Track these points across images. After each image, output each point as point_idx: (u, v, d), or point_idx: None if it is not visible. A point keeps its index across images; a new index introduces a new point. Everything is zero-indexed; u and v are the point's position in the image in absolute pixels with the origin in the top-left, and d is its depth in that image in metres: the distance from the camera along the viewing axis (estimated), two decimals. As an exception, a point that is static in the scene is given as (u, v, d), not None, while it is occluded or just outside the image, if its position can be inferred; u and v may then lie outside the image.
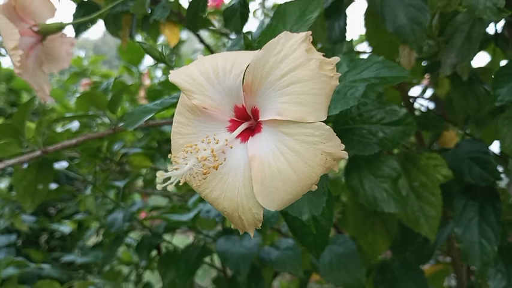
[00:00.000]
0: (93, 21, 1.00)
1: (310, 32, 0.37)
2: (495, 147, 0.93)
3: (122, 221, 1.09)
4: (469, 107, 0.86)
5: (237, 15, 0.78)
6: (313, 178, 0.36)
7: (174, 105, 0.56)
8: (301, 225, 0.55)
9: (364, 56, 0.58)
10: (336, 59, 0.36)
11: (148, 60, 1.97)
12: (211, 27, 1.18)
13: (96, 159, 1.19)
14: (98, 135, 0.88)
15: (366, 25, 0.89)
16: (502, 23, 0.84)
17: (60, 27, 0.74)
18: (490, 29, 0.86)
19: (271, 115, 0.37)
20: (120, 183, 1.17)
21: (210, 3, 1.55)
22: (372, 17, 0.88)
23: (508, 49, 0.84)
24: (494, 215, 0.76)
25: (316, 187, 0.37)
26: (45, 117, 0.86)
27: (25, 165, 0.89)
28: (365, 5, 0.89)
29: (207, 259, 1.26)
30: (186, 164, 0.37)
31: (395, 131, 0.62)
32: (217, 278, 1.31)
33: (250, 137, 0.40)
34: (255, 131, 0.40)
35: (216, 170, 0.38)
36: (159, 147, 1.40)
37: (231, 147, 0.40)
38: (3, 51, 1.40)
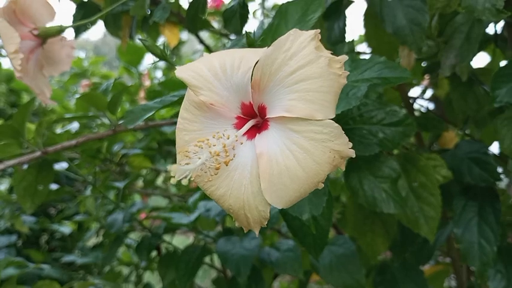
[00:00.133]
0: (93, 22, 1.00)
1: (318, 30, 0.37)
2: (495, 147, 0.94)
3: (122, 221, 1.09)
4: (468, 108, 0.86)
5: (237, 16, 0.78)
6: (320, 176, 0.36)
7: (174, 103, 0.56)
8: (301, 225, 0.55)
9: (365, 57, 0.58)
10: (344, 57, 0.36)
11: (148, 61, 1.97)
12: (211, 28, 1.19)
13: (96, 160, 1.20)
14: (98, 136, 0.88)
15: (365, 26, 0.89)
16: (501, 23, 0.84)
17: (60, 30, 0.74)
18: (490, 30, 0.86)
19: (280, 112, 0.37)
20: (120, 184, 1.17)
21: (209, 4, 1.55)
22: (371, 17, 0.88)
23: (508, 50, 0.84)
24: (494, 216, 0.76)
25: (323, 185, 0.37)
26: (45, 118, 0.86)
27: (25, 166, 0.89)
28: (364, 6, 0.89)
29: (207, 260, 1.26)
30: (199, 159, 0.37)
31: (396, 132, 0.62)
32: (218, 279, 1.31)
33: (257, 134, 0.39)
34: (262, 128, 0.39)
35: (227, 165, 0.38)
36: (159, 148, 1.41)
37: (241, 143, 0.40)
38: (3, 51, 1.40)
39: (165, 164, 1.50)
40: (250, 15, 0.80)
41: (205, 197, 1.04)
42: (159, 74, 2.12)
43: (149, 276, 1.71)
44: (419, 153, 0.84)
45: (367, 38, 0.90)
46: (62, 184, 1.45)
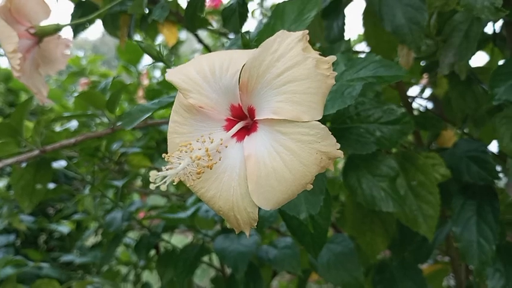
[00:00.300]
0: (91, 22, 1.00)
1: (307, 31, 0.37)
2: (493, 146, 0.94)
3: (121, 220, 1.09)
4: (467, 106, 0.86)
5: (236, 15, 0.78)
6: (308, 177, 0.36)
7: (171, 104, 0.56)
8: (299, 224, 0.55)
9: (362, 56, 0.58)
10: (332, 58, 0.36)
11: (146, 60, 1.97)
12: (209, 27, 1.18)
13: (95, 159, 1.19)
14: (97, 135, 0.88)
15: (365, 25, 0.89)
16: (500, 22, 0.84)
17: (57, 28, 0.74)
18: (489, 29, 0.86)
19: (267, 114, 0.37)
20: (119, 183, 1.17)
21: (208, 3, 1.55)
22: (370, 16, 0.88)
23: (506, 48, 0.84)
24: (493, 214, 0.76)
25: (312, 186, 0.37)
26: (44, 116, 0.86)
27: (23, 165, 0.88)
28: (363, 5, 0.89)
29: (206, 259, 1.26)
30: (180, 164, 0.37)
31: (393, 130, 0.62)
32: (216, 278, 1.31)
33: (246, 136, 0.39)
34: (251, 130, 0.39)
35: (211, 169, 0.38)
36: (158, 146, 1.40)
37: (226, 147, 0.40)
38: (1, 50, 1.40)
39: (163, 163, 1.50)
40: (249, 14, 0.80)
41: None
42: (157, 73, 2.12)
43: (148, 275, 1.71)
44: (417, 151, 0.84)
45: (366, 36, 0.90)
46: (60, 183, 1.45)
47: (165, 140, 1.41)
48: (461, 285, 1.03)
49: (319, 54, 0.36)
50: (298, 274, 0.90)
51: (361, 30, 0.91)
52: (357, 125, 0.62)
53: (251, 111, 0.40)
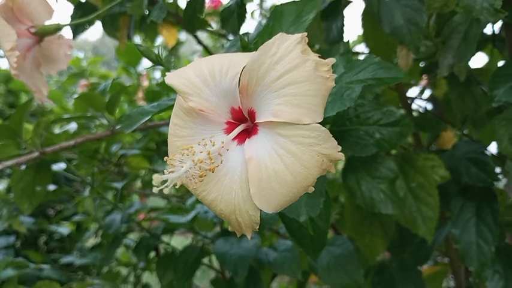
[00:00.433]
0: (90, 23, 1.00)
1: (305, 34, 0.36)
2: (493, 148, 0.94)
3: (120, 222, 1.09)
4: (466, 108, 0.86)
5: (234, 16, 0.78)
6: (309, 180, 0.36)
7: (171, 107, 0.56)
8: (299, 227, 0.55)
9: (362, 57, 0.58)
10: (331, 60, 0.36)
11: (146, 62, 1.97)
12: (209, 29, 1.18)
13: (94, 161, 1.19)
14: (96, 137, 0.88)
15: (364, 26, 0.89)
16: (499, 23, 0.84)
17: (58, 28, 0.74)
18: (488, 30, 0.86)
19: (267, 117, 0.37)
20: (119, 185, 1.16)
21: (208, 4, 1.55)
22: (369, 17, 0.88)
23: (505, 50, 0.84)
24: (492, 216, 0.76)
25: (313, 189, 0.37)
26: (43, 118, 0.86)
27: (23, 167, 0.88)
28: (362, 6, 0.89)
29: (206, 260, 1.26)
30: (182, 167, 0.37)
31: (392, 132, 0.62)
32: (216, 280, 1.31)
33: (247, 139, 0.39)
34: (252, 133, 0.39)
35: (213, 172, 0.38)
36: (158, 148, 1.41)
37: (228, 150, 0.39)
38: (1, 52, 1.40)
39: (163, 164, 1.50)
40: (248, 16, 0.80)
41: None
42: (157, 75, 2.12)
43: (148, 277, 1.71)
44: (417, 153, 0.84)
45: (365, 38, 0.90)
46: (60, 185, 1.45)
47: (164, 142, 1.41)
48: (460, 287, 1.03)
49: (319, 57, 0.36)
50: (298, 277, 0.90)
51: (360, 31, 0.91)
52: (356, 127, 0.62)
53: (251, 114, 0.40)
